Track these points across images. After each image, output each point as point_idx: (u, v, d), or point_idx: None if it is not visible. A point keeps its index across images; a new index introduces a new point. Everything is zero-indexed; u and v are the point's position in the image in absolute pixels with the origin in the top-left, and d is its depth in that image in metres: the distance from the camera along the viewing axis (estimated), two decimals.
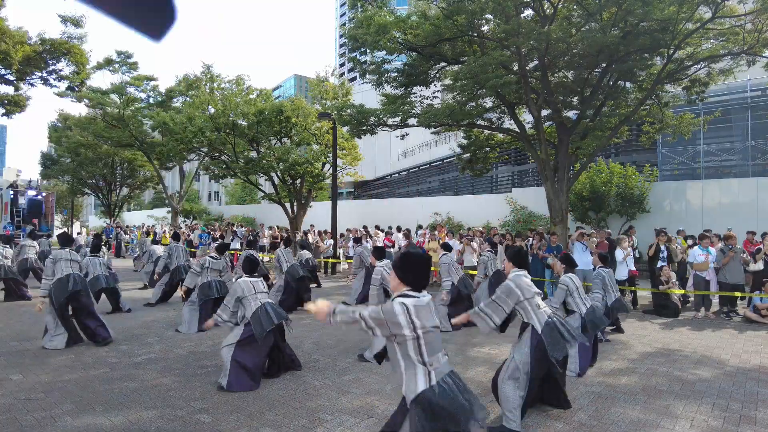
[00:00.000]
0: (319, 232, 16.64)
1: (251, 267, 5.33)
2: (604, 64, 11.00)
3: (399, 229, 15.23)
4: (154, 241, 13.41)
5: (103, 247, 8.36)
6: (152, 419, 4.02)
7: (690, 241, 10.30)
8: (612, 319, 6.90)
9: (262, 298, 5.11)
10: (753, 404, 4.49)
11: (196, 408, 4.26)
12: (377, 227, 16.13)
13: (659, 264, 9.70)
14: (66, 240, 7.07)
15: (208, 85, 21.39)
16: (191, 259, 11.29)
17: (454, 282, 7.71)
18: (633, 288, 9.81)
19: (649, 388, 4.89)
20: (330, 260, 15.62)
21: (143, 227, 25.98)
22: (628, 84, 12.46)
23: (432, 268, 12.05)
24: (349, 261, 14.49)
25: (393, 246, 14.27)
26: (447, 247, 8.27)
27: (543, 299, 4.04)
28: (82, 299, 6.55)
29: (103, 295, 8.56)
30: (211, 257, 7.81)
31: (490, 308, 3.89)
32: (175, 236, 10.96)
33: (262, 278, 5.44)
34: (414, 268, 2.57)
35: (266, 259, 13.62)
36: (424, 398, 2.39)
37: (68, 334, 6.42)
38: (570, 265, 5.58)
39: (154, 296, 9.84)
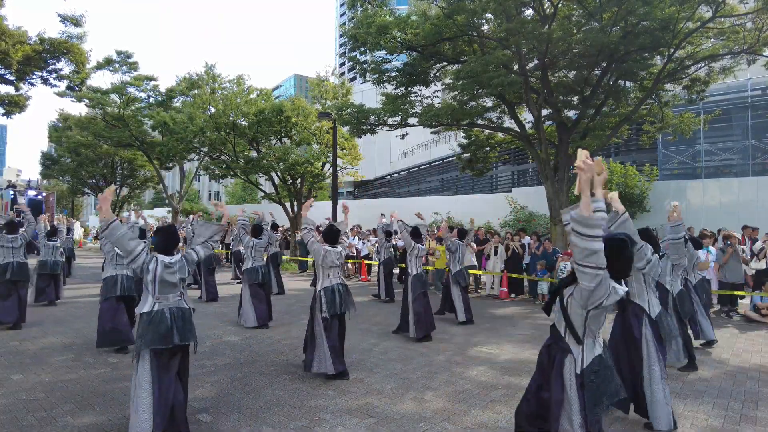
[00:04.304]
0: (318, 228, 16.55)
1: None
2: (604, 64, 11.00)
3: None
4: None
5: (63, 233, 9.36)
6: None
7: None
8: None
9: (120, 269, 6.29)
10: (753, 404, 4.49)
11: (196, 408, 4.26)
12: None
13: None
14: (12, 227, 7.58)
15: (210, 84, 21.38)
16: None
17: None
18: None
19: None
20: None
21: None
22: (628, 83, 12.45)
23: (430, 267, 12.07)
24: (349, 260, 14.48)
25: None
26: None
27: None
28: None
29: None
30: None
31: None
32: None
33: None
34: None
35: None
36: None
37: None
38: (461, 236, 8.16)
39: None
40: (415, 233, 7.48)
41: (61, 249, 9.51)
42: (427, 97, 13.35)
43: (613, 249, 2.61)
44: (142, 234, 7.04)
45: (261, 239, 8.12)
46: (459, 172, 22.95)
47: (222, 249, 17.32)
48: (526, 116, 13.35)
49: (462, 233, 8.58)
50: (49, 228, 9.31)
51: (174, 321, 3.57)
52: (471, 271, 11.31)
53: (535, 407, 2.80)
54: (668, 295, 5.17)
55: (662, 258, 4.99)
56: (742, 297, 9.32)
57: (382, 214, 18.42)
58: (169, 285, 3.62)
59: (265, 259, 8.57)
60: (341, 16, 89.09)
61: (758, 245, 9.34)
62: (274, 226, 12.13)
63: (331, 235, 5.34)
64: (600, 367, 2.59)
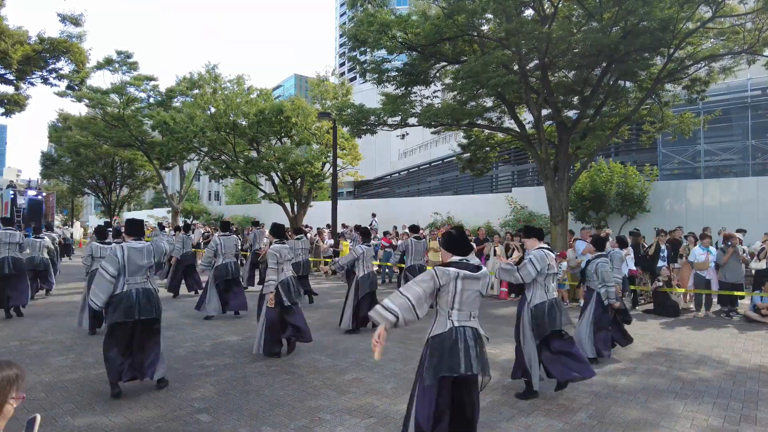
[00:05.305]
0: (319, 230, 16.49)
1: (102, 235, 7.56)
2: (604, 64, 11.00)
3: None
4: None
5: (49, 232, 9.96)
6: (152, 419, 4.01)
7: None
8: None
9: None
10: (753, 404, 4.49)
11: (196, 408, 4.26)
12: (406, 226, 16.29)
13: (659, 264, 9.69)
14: (8, 221, 8.40)
15: (211, 84, 21.39)
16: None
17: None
18: (633, 287, 9.81)
19: (649, 388, 4.89)
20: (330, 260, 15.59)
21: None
22: (628, 83, 12.45)
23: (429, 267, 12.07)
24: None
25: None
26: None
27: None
28: (12, 281, 7.90)
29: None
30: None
31: None
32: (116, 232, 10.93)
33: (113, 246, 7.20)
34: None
35: None
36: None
37: None
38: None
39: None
40: (364, 234, 7.93)
41: (47, 245, 10.07)
42: (427, 97, 13.34)
43: (451, 240, 3.19)
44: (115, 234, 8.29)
45: (229, 236, 8.69)
46: (459, 172, 22.94)
47: None
48: (526, 116, 13.35)
49: (414, 228, 9.21)
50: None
51: (138, 299, 4.37)
52: None
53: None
54: (596, 296, 5.85)
55: (588, 265, 6.03)
56: (742, 297, 9.32)
57: (373, 214, 18.55)
58: (137, 267, 4.43)
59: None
60: (341, 16, 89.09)
61: (758, 245, 9.34)
62: (255, 224, 13.29)
63: (278, 231, 6.07)
64: (445, 337, 2.95)
